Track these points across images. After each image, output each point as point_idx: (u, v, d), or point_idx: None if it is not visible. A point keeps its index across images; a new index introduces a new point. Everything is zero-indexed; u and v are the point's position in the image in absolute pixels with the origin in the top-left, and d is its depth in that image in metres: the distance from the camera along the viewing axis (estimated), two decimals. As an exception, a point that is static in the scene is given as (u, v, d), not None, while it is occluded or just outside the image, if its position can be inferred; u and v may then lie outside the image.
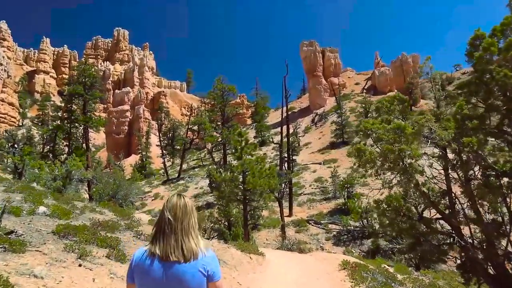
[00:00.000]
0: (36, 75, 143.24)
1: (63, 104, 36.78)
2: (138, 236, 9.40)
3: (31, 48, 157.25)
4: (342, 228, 28.99)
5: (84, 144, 35.22)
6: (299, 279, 9.27)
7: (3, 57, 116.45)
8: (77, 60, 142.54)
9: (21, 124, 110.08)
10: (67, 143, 34.63)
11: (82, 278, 5.23)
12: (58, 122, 36.69)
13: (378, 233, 26.11)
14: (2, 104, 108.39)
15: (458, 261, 13.25)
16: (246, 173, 17.78)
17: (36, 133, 73.47)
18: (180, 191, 46.11)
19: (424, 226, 12.84)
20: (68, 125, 34.11)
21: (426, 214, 13.98)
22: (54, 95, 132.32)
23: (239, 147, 18.00)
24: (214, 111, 41.82)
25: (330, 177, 39.08)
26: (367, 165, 12.80)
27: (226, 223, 22.02)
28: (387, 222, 14.15)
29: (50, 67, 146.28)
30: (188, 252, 2.33)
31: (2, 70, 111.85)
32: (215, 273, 2.39)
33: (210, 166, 39.70)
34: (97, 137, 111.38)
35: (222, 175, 18.36)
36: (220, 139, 37.21)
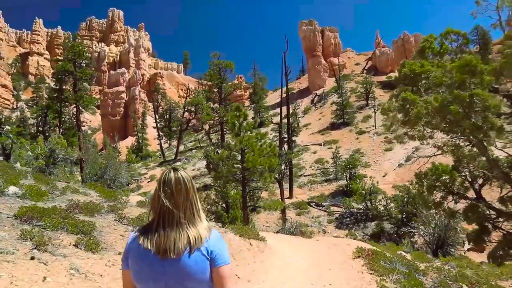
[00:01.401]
0: (30, 57, 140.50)
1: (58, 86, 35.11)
2: (120, 220, 8.12)
3: (23, 30, 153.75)
4: (344, 211, 27.94)
5: (76, 124, 33.62)
6: (308, 270, 8.05)
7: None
8: (71, 40, 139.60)
9: (15, 106, 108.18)
10: (58, 124, 33.14)
11: (29, 277, 3.96)
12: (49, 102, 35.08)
13: (382, 215, 25.08)
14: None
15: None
16: (245, 151, 16.43)
17: (30, 115, 71.86)
18: (177, 173, 44.77)
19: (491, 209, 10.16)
20: (59, 104, 32.57)
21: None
22: (48, 77, 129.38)
23: (238, 123, 16.61)
24: (212, 91, 40.18)
25: (331, 158, 37.94)
26: (417, 122, 9.89)
27: (224, 205, 20.84)
28: (431, 201, 11.48)
29: (44, 48, 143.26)
30: (193, 242, 1.90)
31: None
32: (219, 256, 1.94)
33: (208, 147, 38.35)
34: (93, 119, 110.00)
35: (219, 154, 17.05)
36: (217, 118, 35.68)
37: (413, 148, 39.07)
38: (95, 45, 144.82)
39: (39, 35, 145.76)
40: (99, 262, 4.99)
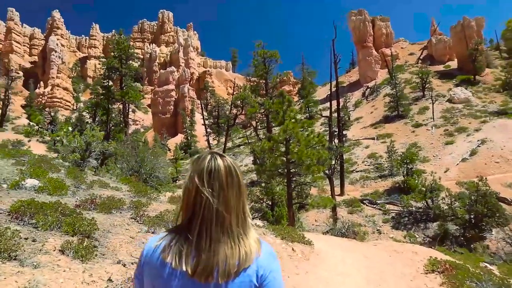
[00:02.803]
0: (88, 60, 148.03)
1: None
2: (136, 218, 6.90)
3: (82, 35, 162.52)
4: (402, 209, 25.50)
5: (123, 120, 33.78)
6: (367, 287, 6.37)
7: (57, 44, 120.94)
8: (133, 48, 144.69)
9: (75, 108, 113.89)
10: (106, 120, 33.41)
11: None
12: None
13: (446, 215, 22.42)
14: (57, 89, 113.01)
15: None
16: (290, 141, 14.83)
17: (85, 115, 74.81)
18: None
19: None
20: (106, 101, 32.80)
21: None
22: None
23: (281, 110, 15.00)
24: (257, 83, 38.76)
25: (385, 153, 35.30)
26: None
27: (269, 202, 19.39)
28: None
29: (100, 52, 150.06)
30: (242, 260, 1.39)
31: (56, 57, 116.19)
32: (272, 284, 1.41)
33: (255, 143, 37.10)
34: (146, 118, 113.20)
35: (261, 145, 15.55)
36: (263, 111, 34.16)
37: (478, 140, 35.48)
38: (147, 46, 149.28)
39: (95, 39, 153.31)
40: (77, 277, 3.74)
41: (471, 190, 21.57)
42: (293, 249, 7.54)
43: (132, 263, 4.56)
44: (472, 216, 20.95)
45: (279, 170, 15.55)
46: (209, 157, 1.49)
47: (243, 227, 1.45)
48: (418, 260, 7.87)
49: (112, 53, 33.84)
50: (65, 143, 15.42)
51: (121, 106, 34.96)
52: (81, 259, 4.26)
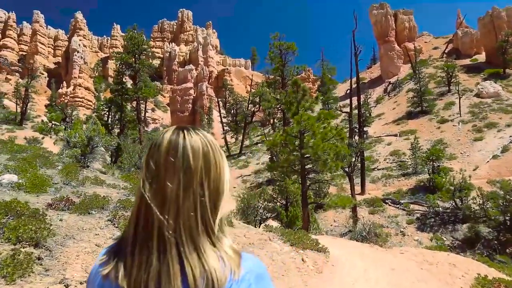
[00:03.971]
0: (109, 60, 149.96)
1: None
2: (112, 220, 5.84)
3: (104, 36, 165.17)
4: (427, 209, 23.84)
5: (136, 117, 33.08)
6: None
7: (79, 45, 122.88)
8: (148, 44, 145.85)
9: (96, 107, 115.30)
10: (120, 117, 32.81)
11: None
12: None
13: (477, 216, 20.70)
14: (79, 89, 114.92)
15: None
16: (305, 134, 13.49)
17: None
18: (241, 167, 43.18)
19: None
20: (120, 97, 32.17)
21: None
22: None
23: (295, 100, 13.66)
24: (274, 78, 37.37)
25: (409, 150, 33.54)
26: None
27: (283, 201, 18.12)
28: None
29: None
30: (205, 283, 0.97)
31: (78, 57, 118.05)
32: None
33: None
34: (165, 117, 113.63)
35: (273, 139, 14.26)
36: (279, 106, 32.68)
37: (510, 136, 33.33)
38: (166, 45, 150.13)
39: (116, 39, 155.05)
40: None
41: (505, 189, 19.76)
42: (303, 259, 6.34)
43: (81, 283, 3.50)
44: (507, 218, 19.18)
45: (293, 167, 14.28)
46: (165, 134, 1.04)
47: (192, 235, 0.97)
48: (458, 275, 6.50)
49: (126, 49, 33.20)
50: (68, 138, 14.63)
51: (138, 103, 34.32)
52: (5, 278, 3.20)
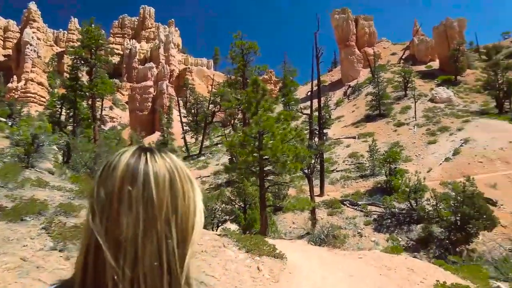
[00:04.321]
0: (66, 55, 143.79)
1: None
2: (47, 229, 5.24)
3: (60, 29, 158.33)
4: (384, 211, 24.32)
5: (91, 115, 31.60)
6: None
7: (32, 37, 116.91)
8: (105, 39, 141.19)
9: (48, 103, 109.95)
10: (73, 114, 31.21)
11: None
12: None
13: (431, 217, 21.30)
14: (31, 84, 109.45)
15: None
16: (264, 135, 13.21)
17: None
18: (200, 168, 42.47)
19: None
20: (73, 93, 30.60)
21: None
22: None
23: (254, 100, 13.35)
24: (236, 79, 37.00)
25: (367, 152, 34.24)
26: None
27: (242, 203, 17.78)
28: None
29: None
30: None
31: (31, 50, 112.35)
32: None
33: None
34: (124, 115, 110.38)
35: (231, 140, 13.87)
36: (239, 106, 32.32)
37: (461, 140, 34.80)
38: (127, 42, 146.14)
39: (74, 34, 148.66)
40: None
41: (457, 190, 20.49)
42: (258, 267, 6.00)
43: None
44: (458, 218, 19.87)
45: (251, 168, 13.96)
46: (127, 156, 0.84)
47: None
48: (416, 281, 6.40)
49: (81, 43, 31.65)
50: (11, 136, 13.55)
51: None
52: None
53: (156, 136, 75.14)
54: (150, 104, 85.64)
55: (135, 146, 0.90)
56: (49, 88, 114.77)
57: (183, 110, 69.76)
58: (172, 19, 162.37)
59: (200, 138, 59.08)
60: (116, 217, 0.76)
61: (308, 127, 35.63)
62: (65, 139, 16.38)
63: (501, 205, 24.19)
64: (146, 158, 0.84)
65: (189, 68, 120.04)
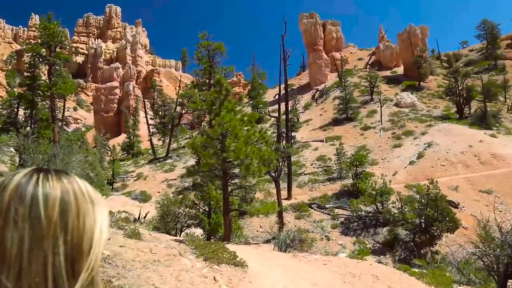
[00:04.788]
0: (26, 53, 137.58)
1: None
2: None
3: (20, 26, 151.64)
4: (351, 214, 24.35)
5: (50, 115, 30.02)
6: None
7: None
8: (69, 38, 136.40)
9: (2, 102, 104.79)
10: (30, 115, 29.58)
11: None
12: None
13: (396, 220, 21.44)
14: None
15: None
16: (227, 137, 12.68)
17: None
18: (166, 171, 41.42)
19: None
20: (30, 92, 29.01)
21: None
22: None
23: (217, 100, 12.82)
24: (204, 83, 36.26)
25: (334, 155, 34.38)
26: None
27: (206, 208, 17.17)
28: None
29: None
30: None
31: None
32: None
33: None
34: (89, 117, 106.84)
35: (192, 142, 13.29)
36: (204, 106, 31.62)
37: (425, 144, 35.59)
38: (92, 41, 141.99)
39: (34, 31, 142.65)
40: None
41: (421, 193, 20.74)
42: (214, 278, 5.49)
43: None
44: (422, 221, 20.08)
45: (214, 171, 13.42)
46: (18, 176, 0.83)
47: None
48: (381, 286, 6.12)
49: (39, 40, 30.06)
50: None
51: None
52: None
53: (122, 138, 73.06)
54: (116, 105, 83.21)
55: (33, 167, 0.86)
56: (7, 87, 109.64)
57: (150, 112, 68.21)
58: (139, 19, 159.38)
59: (167, 141, 57.87)
60: (1, 234, 0.76)
61: (276, 130, 35.41)
62: (15, 140, 15.21)
63: (463, 207, 24.83)
64: (38, 179, 0.81)
65: (156, 69, 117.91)
